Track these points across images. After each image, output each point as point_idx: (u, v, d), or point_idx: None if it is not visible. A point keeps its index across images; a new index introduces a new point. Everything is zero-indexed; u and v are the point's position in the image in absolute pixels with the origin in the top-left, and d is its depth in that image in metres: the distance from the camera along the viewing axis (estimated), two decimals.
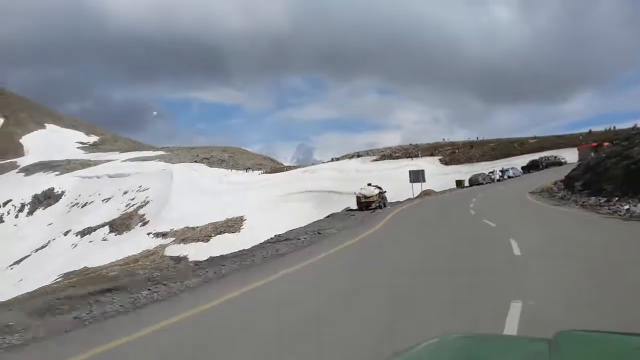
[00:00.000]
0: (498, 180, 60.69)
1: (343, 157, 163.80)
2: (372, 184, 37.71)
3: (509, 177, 62.33)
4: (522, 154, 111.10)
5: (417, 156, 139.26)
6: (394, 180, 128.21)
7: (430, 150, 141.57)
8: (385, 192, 38.60)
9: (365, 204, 34.50)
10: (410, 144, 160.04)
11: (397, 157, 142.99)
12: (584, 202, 26.60)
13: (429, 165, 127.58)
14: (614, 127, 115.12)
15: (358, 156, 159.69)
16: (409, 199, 48.27)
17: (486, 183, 58.97)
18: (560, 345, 1.71)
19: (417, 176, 46.29)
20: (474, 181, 58.57)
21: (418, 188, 59.81)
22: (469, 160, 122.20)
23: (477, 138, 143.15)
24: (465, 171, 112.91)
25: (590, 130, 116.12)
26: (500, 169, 63.83)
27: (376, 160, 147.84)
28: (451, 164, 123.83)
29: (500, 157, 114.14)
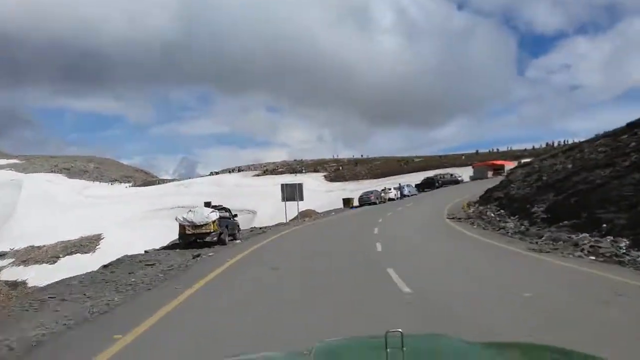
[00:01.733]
0: (392, 200, 47.72)
1: (223, 172, 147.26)
2: (214, 204, 21.99)
3: (404, 195, 49.66)
4: (408, 172, 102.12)
5: (301, 172, 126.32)
6: (274, 198, 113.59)
7: (314, 166, 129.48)
8: (235, 216, 23.00)
9: (194, 236, 18.88)
10: (295, 160, 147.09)
11: (281, 173, 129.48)
12: (592, 246, 13.01)
13: (313, 181, 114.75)
14: (497, 149, 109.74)
15: (239, 170, 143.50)
16: (280, 224, 33.40)
17: (380, 202, 45.53)
18: (315, 355, 1.69)
19: (292, 192, 31.63)
20: (365, 200, 45.04)
21: (299, 206, 45.92)
22: (355, 177, 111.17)
23: (362, 156, 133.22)
24: (351, 188, 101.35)
25: (477, 151, 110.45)
26: (397, 185, 51.08)
27: (258, 175, 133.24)
28: (336, 181, 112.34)
29: (387, 175, 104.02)
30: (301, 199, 32.21)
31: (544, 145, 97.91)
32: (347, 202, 48.16)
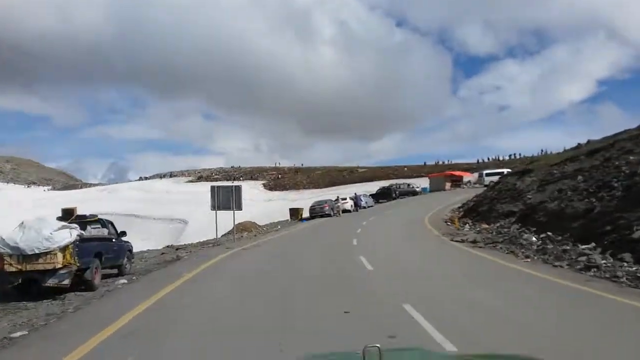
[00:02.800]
0: (347, 211, 38.81)
1: (154, 177, 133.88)
2: (87, 213, 11.96)
3: (360, 206, 40.86)
4: (352, 182, 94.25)
5: (238, 179, 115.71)
6: (209, 206, 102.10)
7: (253, 174, 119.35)
8: (121, 234, 12.91)
9: (21, 276, 9.07)
10: (232, 167, 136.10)
11: (216, 180, 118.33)
12: None
13: (252, 190, 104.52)
14: (443, 162, 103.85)
15: (171, 176, 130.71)
16: (207, 243, 23.49)
17: (334, 214, 36.32)
18: None
19: (226, 198, 21.48)
20: (318, 211, 35.73)
21: (236, 217, 36.41)
22: (296, 186, 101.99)
23: (302, 165, 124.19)
24: (292, 198, 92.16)
25: (425, 163, 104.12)
26: (352, 195, 42.16)
27: (192, 181, 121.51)
28: (276, 190, 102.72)
29: (330, 185, 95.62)
30: (239, 207, 22.44)
31: (474, 161, 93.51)
32: (295, 213, 38.67)
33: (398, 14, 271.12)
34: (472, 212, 27.95)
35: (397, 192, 50.31)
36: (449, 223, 26.61)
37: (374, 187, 70.63)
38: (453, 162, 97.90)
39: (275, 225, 33.37)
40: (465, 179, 59.56)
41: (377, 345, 1.50)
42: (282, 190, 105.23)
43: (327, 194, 73.14)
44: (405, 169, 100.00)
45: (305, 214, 38.67)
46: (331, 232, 23.79)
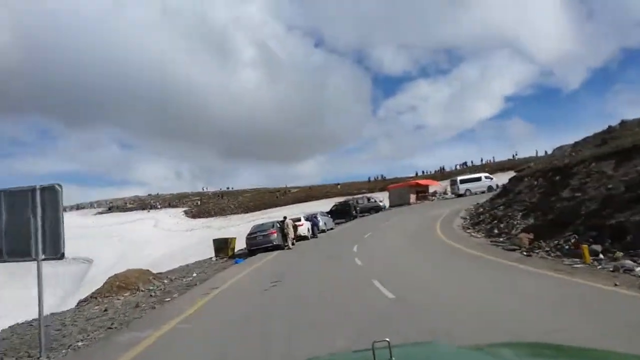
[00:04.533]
0: (304, 238, 24.96)
1: None
2: None
3: (317, 229, 27.11)
4: (286, 204, 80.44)
5: (155, 207, 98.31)
6: (119, 240, 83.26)
7: (173, 201, 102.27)
8: None
9: None
10: (149, 195, 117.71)
11: (130, 209, 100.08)
12: None
13: (170, 219, 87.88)
14: (382, 176, 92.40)
15: (77, 208, 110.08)
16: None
17: (285, 245, 22.12)
18: None
19: (18, 234, 7.43)
20: (261, 242, 21.28)
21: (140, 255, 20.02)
22: (222, 212, 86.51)
23: (229, 188, 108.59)
24: (218, 225, 76.67)
25: (369, 179, 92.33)
26: (306, 215, 28.23)
27: (102, 213, 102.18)
28: (200, 217, 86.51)
29: (262, 208, 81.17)
30: (55, 252, 7.94)
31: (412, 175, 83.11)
32: (222, 246, 23.97)
33: (316, 34, 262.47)
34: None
35: (357, 209, 37.07)
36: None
37: (311, 207, 57.27)
38: (388, 178, 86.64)
39: (189, 273, 18.75)
40: (432, 189, 47.66)
41: (387, 339, 1.44)
42: (207, 217, 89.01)
43: (260, 218, 58.78)
44: (339, 186, 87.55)
45: (240, 245, 24.34)
46: (315, 302, 9.91)
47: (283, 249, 22.25)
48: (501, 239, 16.67)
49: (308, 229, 26.35)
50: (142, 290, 15.00)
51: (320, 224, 28.13)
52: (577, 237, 12.84)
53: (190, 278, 16.85)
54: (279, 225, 23.18)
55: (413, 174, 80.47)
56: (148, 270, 17.56)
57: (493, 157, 73.70)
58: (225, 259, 22.66)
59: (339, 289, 10.00)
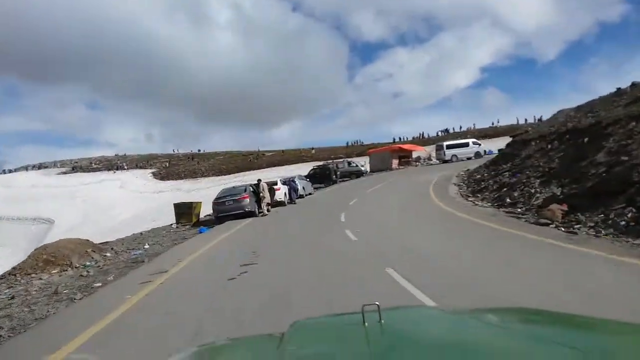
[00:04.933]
0: (280, 204, 21.73)
1: (19, 169, 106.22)
2: None
3: (296, 195, 23.84)
4: (260, 167, 76.84)
5: (122, 168, 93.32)
6: (83, 201, 78.95)
7: (141, 162, 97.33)
8: None
9: None
10: (116, 155, 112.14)
11: (96, 170, 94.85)
12: None
13: (138, 180, 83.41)
14: (357, 142, 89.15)
15: (40, 167, 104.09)
16: None
17: (259, 212, 18.76)
18: (291, 336, 1.53)
19: None
20: (230, 208, 17.98)
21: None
22: (193, 174, 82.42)
23: (200, 151, 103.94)
24: (187, 188, 72.46)
25: (348, 143, 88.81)
26: (283, 179, 24.75)
27: (65, 173, 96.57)
28: (169, 179, 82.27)
29: (235, 171, 77.34)
30: None
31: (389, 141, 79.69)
32: (185, 212, 20.32)
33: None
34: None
35: (337, 174, 33.83)
36: None
37: (287, 172, 53.92)
38: (365, 143, 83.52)
39: (138, 241, 15.29)
40: (415, 154, 44.69)
41: (377, 303, 1.45)
42: (176, 179, 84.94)
43: (232, 181, 55.14)
44: (313, 150, 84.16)
45: (207, 210, 20.88)
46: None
47: (257, 216, 18.92)
48: (519, 210, 13.74)
49: (285, 193, 23.04)
50: (75, 267, 11.56)
51: (299, 188, 24.83)
52: (634, 209, 9.93)
53: (140, 251, 13.44)
54: (252, 189, 19.73)
55: (391, 141, 77.42)
56: (88, 240, 14.00)
57: (474, 124, 71.21)
58: (187, 226, 19.24)
59: (339, 283, 6.77)
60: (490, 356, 1.22)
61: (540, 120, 65.06)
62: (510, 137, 29.85)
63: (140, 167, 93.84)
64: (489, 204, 16.36)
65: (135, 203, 66.98)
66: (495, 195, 16.91)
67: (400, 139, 75.53)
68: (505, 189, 16.85)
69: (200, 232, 16.15)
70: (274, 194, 20.98)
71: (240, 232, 15.29)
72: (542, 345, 1.27)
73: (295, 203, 23.51)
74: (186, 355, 1.82)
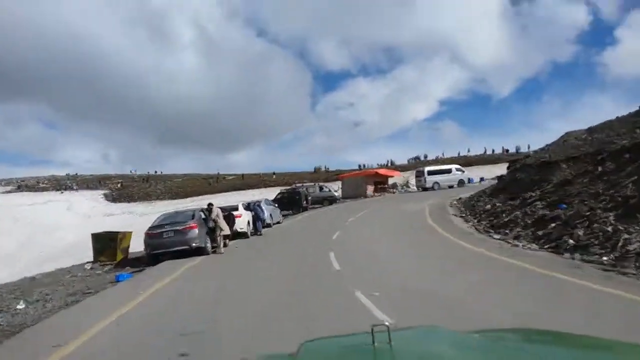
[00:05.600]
0: (242, 234, 16.24)
1: None
2: None
3: (261, 223, 18.38)
4: (221, 191, 70.75)
5: (71, 188, 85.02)
6: (26, 224, 70.29)
7: (93, 182, 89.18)
8: None
9: None
10: (67, 174, 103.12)
11: (43, 190, 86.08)
12: None
13: (87, 202, 75.76)
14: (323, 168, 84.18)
15: None
16: None
17: (212, 249, 13.18)
18: (300, 358, 1.51)
19: None
20: (169, 244, 12.47)
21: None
22: (147, 197, 75.36)
23: (157, 172, 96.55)
24: (140, 211, 65.38)
25: (315, 169, 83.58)
26: (246, 203, 19.32)
27: (9, 192, 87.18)
28: (121, 201, 74.95)
29: (192, 195, 70.80)
30: None
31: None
32: (106, 247, 14.35)
33: (258, 24, 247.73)
34: None
35: (308, 199, 28.54)
36: None
37: (250, 197, 48.31)
38: (330, 169, 78.53)
39: (20, 292, 9.59)
40: (391, 181, 40.00)
41: (386, 323, 1.42)
42: (129, 202, 77.56)
43: (188, 205, 48.94)
44: (274, 176, 78.71)
45: (137, 246, 15.06)
46: None
47: (208, 253, 13.35)
48: (604, 259, 8.90)
49: (249, 221, 17.54)
50: None
51: (265, 215, 19.40)
52: None
53: (1, 317, 7.69)
54: (202, 216, 14.18)
55: (356, 168, 72.81)
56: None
57: (442, 153, 67.76)
58: (109, 266, 13.47)
59: None
60: None
61: (518, 149, 62.48)
62: (509, 163, 25.59)
63: (91, 188, 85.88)
64: (533, 244, 11.53)
65: (82, 226, 59.57)
66: (538, 233, 12.07)
67: (364, 166, 71.04)
68: (552, 225, 12.03)
69: (118, 281, 10.49)
70: (234, 223, 15.48)
71: (179, 283, 9.77)
72: None
73: (261, 234, 18.02)
74: None
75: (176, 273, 10.91)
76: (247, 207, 18.63)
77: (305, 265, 10.63)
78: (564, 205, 13.06)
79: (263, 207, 19.84)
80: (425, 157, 63.71)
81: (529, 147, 63.27)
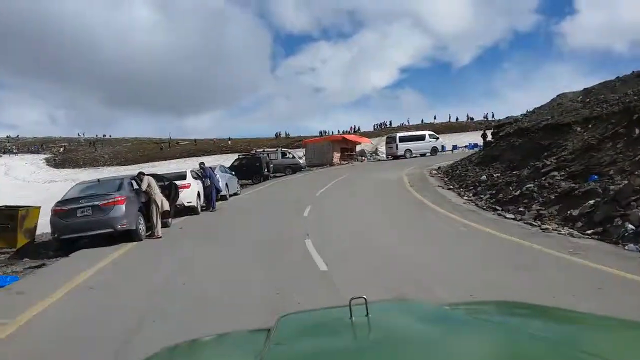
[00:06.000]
0: (189, 207, 12.81)
1: None
2: None
3: (216, 192, 14.95)
4: (174, 157, 66.00)
5: (11, 152, 78.03)
6: None
7: (34, 146, 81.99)
8: None
9: None
10: (8, 137, 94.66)
11: None
12: None
13: (28, 167, 69.41)
14: (284, 134, 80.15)
15: None
16: None
17: (122, 229, 9.60)
18: (277, 331, 1.47)
19: None
20: (79, 228, 8.98)
21: None
22: (94, 162, 69.72)
23: (105, 136, 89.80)
24: (84, 177, 60.98)
25: (277, 134, 78.77)
26: (199, 169, 15.74)
27: None
28: (65, 167, 69.14)
29: (141, 161, 65.63)
30: None
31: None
32: (1, 228, 10.79)
33: None
34: None
35: (269, 167, 25.07)
36: None
37: (206, 161, 44.22)
38: (291, 135, 74.55)
39: None
40: (359, 148, 36.94)
41: (364, 296, 1.39)
42: (74, 167, 71.91)
43: (136, 170, 44.30)
44: (230, 141, 74.38)
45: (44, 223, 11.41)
46: None
47: (141, 238, 9.90)
48: None
49: (199, 193, 14.01)
50: None
51: (220, 185, 15.91)
52: None
53: None
54: (132, 186, 10.54)
55: (317, 134, 69.22)
56: None
57: (407, 120, 64.84)
58: (6, 255, 9.82)
59: None
60: (476, 350, 1.19)
61: (487, 117, 60.26)
62: (494, 128, 22.96)
63: (33, 152, 78.98)
64: (566, 227, 8.79)
65: (18, 193, 53.81)
66: (572, 213, 9.33)
67: (326, 132, 67.50)
68: (590, 203, 9.27)
69: (1, 287, 6.91)
70: (177, 196, 11.94)
71: (86, 297, 6.35)
72: (524, 337, 1.25)
73: (215, 209, 14.55)
74: (170, 350, 1.64)
75: (88, 272, 7.45)
76: (198, 175, 15.03)
77: (275, 259, 7.43)
78: (595, 177, 10.36)
79: (217, 175, 16.31)
80: (390, 123, 60.79)
81: (493, 115, 61.75)
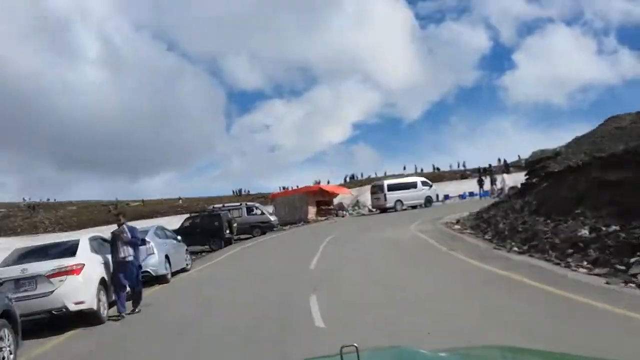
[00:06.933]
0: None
1: None
2: None
3: (150, 275, 8.35)
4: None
5: None
6: None
7: None
8: None
9: None
10: None
11: None
12: None
13: None
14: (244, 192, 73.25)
15: None
16: None
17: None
18: None
19: None
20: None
21: None
22: (33, 229, 60.91)
23: (50, 200, 79.72)
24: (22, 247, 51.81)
25: (234, 192, 71.37)
26: (94, 238, 9.06)
27: None
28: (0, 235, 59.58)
29: (88, 226, 57.12)
30: None
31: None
32: None
33: (167, 38, 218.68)
34: None
35: (232, 226, 18.39)
36: None
37: (155, 224, 36.81)
38: (251, 192, 67.63)
39: None
40: (339, 199, 30.78)
41: (355, 344, 1.33)
42: (9, 235, 61.96)
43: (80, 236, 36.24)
44: (180, 201, 67.12)
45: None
46: None
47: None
48: None
49: (103, 281, 7.12)
50: None
51: (153, 261, 9.26)
52: None
53: None
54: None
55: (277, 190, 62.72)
56: None
57: (385, 171, 59.29)
58: None
59: None
60: None
61: (460, 164, 55.51)
62: (529, 165, 17.42)
63: None
64: None
65: None
66: None
67: (286, 188, 61.15)
68: None
69: None
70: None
71: None
72: None
73: (134, 311, 7.74)
74: None
75: None
76: (130, 239, 8.19)
77: None
78: None
79: (151, 244, 9.61)
80: (362, 175, 55.32)
81: (459, 165, 57.43)
